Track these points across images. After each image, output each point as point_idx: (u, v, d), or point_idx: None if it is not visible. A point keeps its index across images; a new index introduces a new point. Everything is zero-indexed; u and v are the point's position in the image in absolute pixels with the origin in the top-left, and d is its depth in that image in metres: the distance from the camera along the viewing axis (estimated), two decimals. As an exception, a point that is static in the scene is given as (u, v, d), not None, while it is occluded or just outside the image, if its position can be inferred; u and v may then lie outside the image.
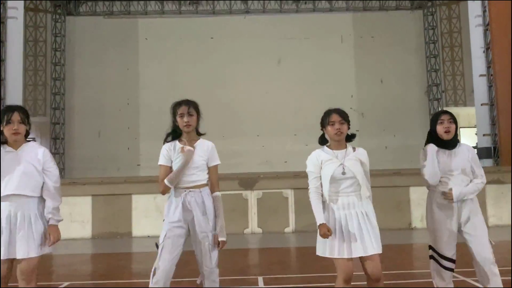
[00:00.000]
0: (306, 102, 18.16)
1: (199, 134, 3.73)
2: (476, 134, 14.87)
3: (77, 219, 10.32)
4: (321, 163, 3.57)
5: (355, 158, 3.58)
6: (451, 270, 3.84)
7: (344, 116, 3.61)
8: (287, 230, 10.42)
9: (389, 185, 10.46)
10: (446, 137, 3.86)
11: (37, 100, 18.43)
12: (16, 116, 3.46)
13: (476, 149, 14.46)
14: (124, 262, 7.32)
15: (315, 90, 18.27)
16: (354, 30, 19.02)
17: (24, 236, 3.35)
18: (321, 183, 3.59)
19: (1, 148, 3.46)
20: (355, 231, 3.42)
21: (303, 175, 10.78)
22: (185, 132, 3.61)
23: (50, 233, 3.44)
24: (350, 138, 3.68)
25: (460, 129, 19.32)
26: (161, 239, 3.49)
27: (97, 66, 18.13)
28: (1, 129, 3.47)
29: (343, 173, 3.51)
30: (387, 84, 18.68)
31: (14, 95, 13.87)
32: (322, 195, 3.57)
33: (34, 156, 3.51)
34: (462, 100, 19.09)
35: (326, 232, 3.38)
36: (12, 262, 3.40)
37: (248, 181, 10.65)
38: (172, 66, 18.29)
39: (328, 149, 3.65)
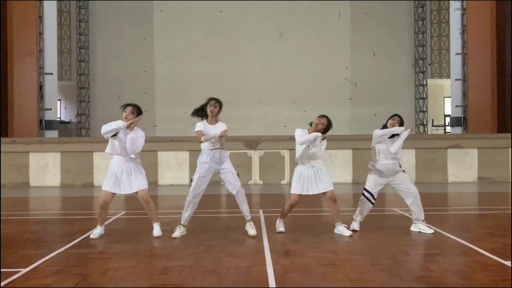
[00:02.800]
0: (305, 72, 20.21)
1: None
2: (450, 104, 16.96)
3: (113, 170, 12.65)
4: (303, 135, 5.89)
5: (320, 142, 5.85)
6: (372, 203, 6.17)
7: (329, 125, 5.84)
8: (283, 182, 12.79)
9: (369, 147, 12.71)
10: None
11: (63, 66, 20.48)
12: (129, 109, 5.69)
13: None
14: (155, 202, 9.66)
15: (314, 61, 20.27)
16: (351, 7, 20.75)
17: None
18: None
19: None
20: (313, 179, 5.85)
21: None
22: (210, 116, 5.90)
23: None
24: (325, 131, 5.93)
25: (444, 98, 21.43)
26: (195, 177, 5.88)
27: (117, 36, 20.08)
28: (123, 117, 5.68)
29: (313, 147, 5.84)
30: (379, 58, 20.60)
31: (51, 64, 15.94)
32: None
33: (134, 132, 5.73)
34: (447, 73, 21.05)
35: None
36: (113, 195, 5.76)
37: (252, 143, 12.92)
38: (184, 37, 20.19)
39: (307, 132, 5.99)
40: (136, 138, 5.67)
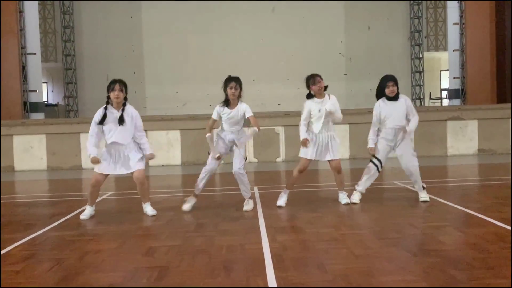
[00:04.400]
0: (299, 48, 19.61)
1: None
2: (448, 77, 16.52)
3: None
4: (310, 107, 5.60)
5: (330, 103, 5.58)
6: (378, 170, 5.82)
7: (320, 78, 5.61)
8: (278, 159, 12.39)
9: (365, 121, 12.31)
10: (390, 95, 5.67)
11: (47, 47, 19.77)
12: (117, 86, 5.21)
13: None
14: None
15: (307, 36, 19.67)
16: (344, -21, 20.06)
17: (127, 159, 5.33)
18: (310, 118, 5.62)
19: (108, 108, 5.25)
20: (326, 145, 5.60)
21: (293, 114, 12.74)
22: (231, 99, 5.43)
23: (149, 156, 5.44)
24: (325, 88, 5.63)
25: (441, 72, 20.99)
26: (211, 154, 5.54)
27: (103, 14, 19.32)
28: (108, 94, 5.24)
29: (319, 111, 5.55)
30: (373, 31, 20.01)
31: (33, 43, 15.29)
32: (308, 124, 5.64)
33: (129, 114, 5.31)
34: (443, 45, 20.55)
35: (306, 142, 5.56)
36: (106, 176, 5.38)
37: (245, 120, 12.45)
38: (173, 14, 19.47)
39: (316, 98, 5.62)
40: (132, 118, 5.32)
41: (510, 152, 12.18)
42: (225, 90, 5.49)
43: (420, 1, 19.86)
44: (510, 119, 12.23)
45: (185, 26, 19.28)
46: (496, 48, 14.68)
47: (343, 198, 5.79)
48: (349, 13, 20.02)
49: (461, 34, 15.28)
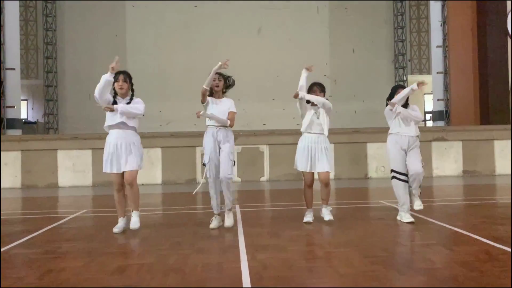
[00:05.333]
0: (284, 69, 19.60)
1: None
2: (432, 99, 16.61)
3: (79, 169, 11.79)
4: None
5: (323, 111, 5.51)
6: (406, 181, 5.51)
7: (322, 88, 5.55)
8: (262, 179, 12.12)
9: (350, 141, 12.19)
10: None
11: (29, 63, 19.43)
12: (121, 76, 5.02)
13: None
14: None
15: (292, 57, 19.68)
16: (330, 2, 20.31)
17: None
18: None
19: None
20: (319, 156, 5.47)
21: (278, 133, 12.51)
22: (214, 91, 5.35)
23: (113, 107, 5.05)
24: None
25: (424, 95, 21.16)
26: (205, 161, 5.28)
27: (87, 31, 19.13)
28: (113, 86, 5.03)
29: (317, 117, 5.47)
30: (358, 53, 20.18)
31: (13, 59, 14.97)
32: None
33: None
34: (426, 69, 20.79)
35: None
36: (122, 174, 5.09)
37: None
38: (158, 32, 19.39)
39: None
40: (123, 110, 5.05)
41: (496, 174, 12.13)
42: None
43: (403, 25, 20.16)
44: (510, 140, 12.14)
45: (170, 45, 19.19)
46: (479, 70, 14.83)
47: (326, 214, 5.53)
48: (334, 35, 20.20)
49: (445, 56, 15.43)
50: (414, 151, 5.55)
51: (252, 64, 19.54)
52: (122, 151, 5.06)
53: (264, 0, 19.67)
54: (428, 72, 20.53)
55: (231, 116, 5.33)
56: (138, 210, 5.24)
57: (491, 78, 14.45)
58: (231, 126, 5.35)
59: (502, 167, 12.28)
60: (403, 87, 5.69)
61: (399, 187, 5.51)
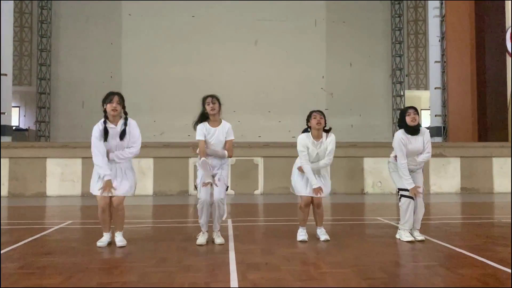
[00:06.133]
0: (280, 81, 19.46)
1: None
2: (430, 115, 16.46)
3: (68, 178, 11.47)
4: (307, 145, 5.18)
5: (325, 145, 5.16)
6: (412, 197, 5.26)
7: (323, 115, 5.17)
8: (256, 192, 11.84)
9: (346, 155, 11.96)
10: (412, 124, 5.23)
11: (22, 70, 19.17)
12: (115, 98, 4.77)
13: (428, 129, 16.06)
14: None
15: (289, 70, 19.57)
16: (327, 15, 20.24)
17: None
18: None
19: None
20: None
21: (272, 145, 12.26)
22: (211, 115, 5.00)
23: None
24: (326, 130, 5.24)
25: (422, 110, 21.04)
26: (198, 182, 5.04)
27: (82, 39, 18.92)
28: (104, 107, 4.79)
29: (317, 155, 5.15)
30: (355, 67, 20.07)
31: (5, 64, 14.70)
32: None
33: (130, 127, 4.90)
34: (424, 84, 20.69)
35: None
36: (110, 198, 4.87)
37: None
38: (154, 42, 19.20)
39: (311, 136, 5.18)
40: (129, 132, 4.86)
41: (494, 191, 11.93)
42: (204, 110, 5.08)
43: (401, 40, 20.11)
44: (510, 158, 11.97)
45: (166, 55, 19.01)
46: (477, 86, 14.71)
47: (322, 234, 5.29)
48: (331, 49, 20.09)
49: (443, 72, 15.32)
50: (419, 172, 5.35)
51: (248, 75, 19.39)
52: (114, 175, 4.82)
53: (261, 11, 19.57)
54: (425, 87, 20.44)
55: (229, 146, 5.07)
56: (122, 231, 5.01)
57: (490, 94, 14.33)
58: (229, 157, 5.10)
59: (501, 185, 12.09)
60: (413, 108, 5.28)
61: (406, 205, 5.27)
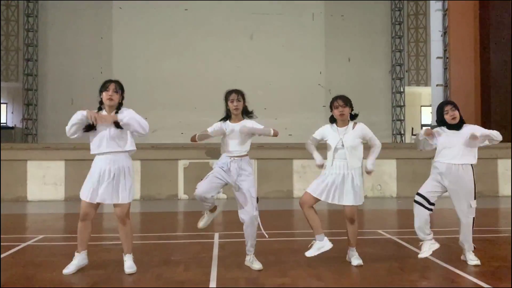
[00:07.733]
0: (277, 77, 18.84)
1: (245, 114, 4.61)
2: (431, 112, 15.88)
3: (50, 182, 10.87)
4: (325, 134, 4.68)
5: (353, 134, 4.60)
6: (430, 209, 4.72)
7: (346, 101, 4.65)
8: (249, 196, 11.24)
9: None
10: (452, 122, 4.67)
11: (9, 65, 18.49)
12: (112, 86, 4.23)
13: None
14: (95, 221, 7.96)
15: (286, 65, 18.94)
16: (325, 9, 19.60)
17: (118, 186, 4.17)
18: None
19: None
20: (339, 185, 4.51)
21: (267, 147, 11.56)
22: (234, 114, 4.48)
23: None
24: (352, 117, 4.67)
25: (421, 107, 20.47)
26: (208, 174, 4.49)
27: (70, 33, 18.25)
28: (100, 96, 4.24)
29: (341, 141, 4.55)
30: (354, 63, 19.47)
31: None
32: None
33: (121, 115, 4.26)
34: (424, 80, 20.11)
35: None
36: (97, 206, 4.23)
37: (214, 151, 11.34)
38: (146, 37, 18.55)
39: (335, 126, 4.67)
40: (130, 118, 4.23)
41: (499, 195, 11.38)
42: (226, 106, 4.54)
43: (401, 34, 19.50)
44: (510, 159, 11.43)
45: (158, 49, 18.35)
46: (481, 83, 14.12)
47: (354, 257, 4.59)
48: (329, 44, 19.48)
49: (445, 68, 14.72)
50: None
51: (243, 71, 18.75)
52: (107, 178, 4.15)
53: (257, 3, 18.90)
54: (426, 83, 19.86)
55: (264, 127, 4.47)
56: (131, 253, 4.34)
57: (494, 92, 13.74)
58: (275, 135, 4.46)
59: (506, 188, 11.53)
60: (451, 104, 4.73)
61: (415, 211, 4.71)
